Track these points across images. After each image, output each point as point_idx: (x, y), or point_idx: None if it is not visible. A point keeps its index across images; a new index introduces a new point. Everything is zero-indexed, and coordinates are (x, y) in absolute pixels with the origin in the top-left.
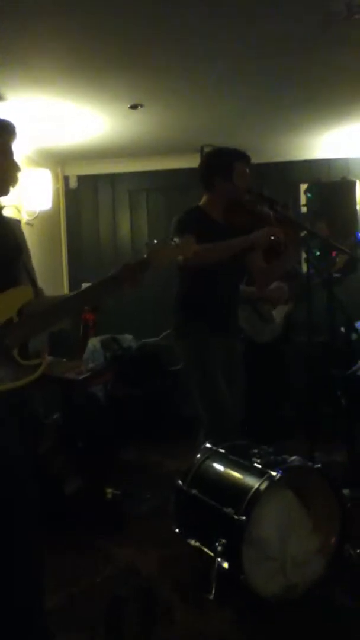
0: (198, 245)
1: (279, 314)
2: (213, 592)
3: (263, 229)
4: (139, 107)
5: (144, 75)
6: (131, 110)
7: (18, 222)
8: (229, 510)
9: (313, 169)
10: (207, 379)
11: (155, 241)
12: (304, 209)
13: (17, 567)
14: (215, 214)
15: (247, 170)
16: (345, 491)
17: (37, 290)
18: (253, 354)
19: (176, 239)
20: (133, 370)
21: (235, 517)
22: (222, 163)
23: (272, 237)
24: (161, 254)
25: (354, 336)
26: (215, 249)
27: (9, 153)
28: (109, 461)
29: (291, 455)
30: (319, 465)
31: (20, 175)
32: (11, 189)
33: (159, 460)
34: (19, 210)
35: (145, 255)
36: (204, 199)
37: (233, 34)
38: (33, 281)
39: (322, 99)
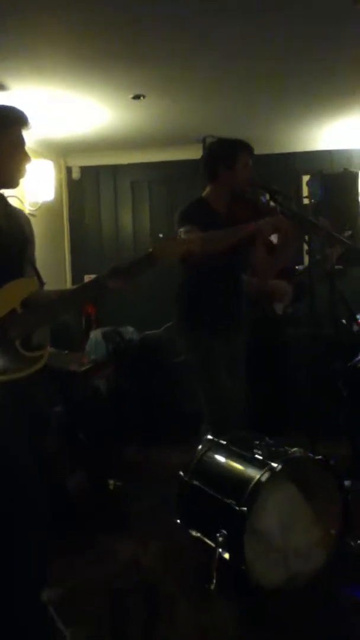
0: (201, 238)
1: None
2: (214, 582)
3: (269, 218)
4: (142, 98)
5: (146, 66)
6: (134, 101)
7: (24, 212)
8: (230, 501)
9: (315, 160)
10: (208, 373)
11: (161, 236)
12: (306, 200)
13: (18, 565)
14: (218, 206)
15: (250, 162)
16: (347, 483)
17: (41, 282)
18: (255, 347)
19: (182, 233)
20: (135, 362)
21: (237, 508)
22: (225, 153)
23: (277, 227)
24: (168, 249)
25: (355, 328)
26: (220, 236)
27: (20, 144)
28: (110, 454)
29: (293, 447)
30: (321, 457)
31: (28, 166)
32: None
33: (160, 453)
34: (21, 201)
35: (151, 250)
36: (207, 190)
37: (235, 24)
38: (38, 273)
39: (325, 90)
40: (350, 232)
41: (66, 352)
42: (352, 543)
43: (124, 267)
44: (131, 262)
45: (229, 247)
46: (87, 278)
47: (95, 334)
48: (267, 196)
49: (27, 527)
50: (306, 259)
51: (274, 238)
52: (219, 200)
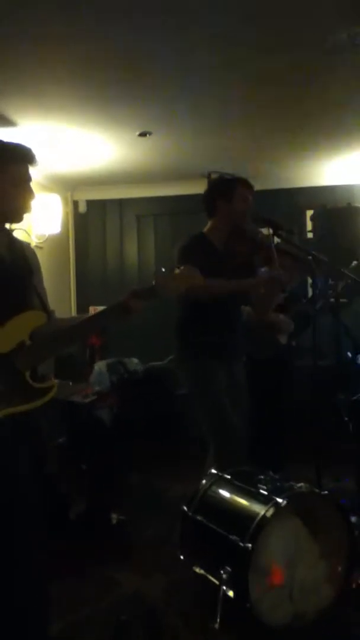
0: (201, 279)
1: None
2: (218, 621)
3: (267, 275)
4: (148, 135)
5: (152, 104)
6: (140, 138)
7: (28, 244)
8: (234, 537)
9: (319, 195)
10: (211, 402)
11: (163, 269)
12: (310, 235)
13: (19, 591)
14: (217, 241)
15: (249, 197)
16: (354, 518)
17: (49, 314)
18: (258, 377)
19: (182, 269)
20: (139, 393)
21: (241, 544)
22: (223, 187)
23: (274, 279)
24: (169, 283)
25: None
26: (217, 287)
27: (26, 181)
28: (114, 485)
29: (298, 482)
30: (327, 492)
31: (33, 202)
32: (24, 216)
33: (164, 484)
34: (28, 234)
35: (153, 283)
36: (208, 225)
37: (240, 63)
38: (44, 304)
39: (328, 126)
40: (356, 262)
41: (70, 383)
42: None
43: (137, 292)
44: (139, 290)
45: (226, 294)
46: (92, 309)
47: (100, 365)
48: (271, 231)
49: (28, 557)
50: (310, 291)
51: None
52: (218, 235)
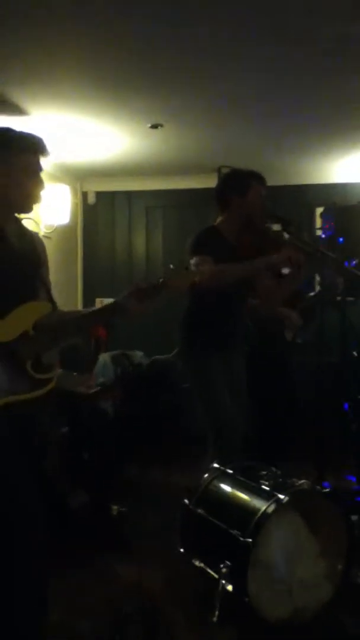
0: (214, 266)
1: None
2: (217, 614)
3: (283, 252)
4: (159, 127)
5: (165, 96)
6: (151, 130)
7: (38, 235)
8: (235, 532)
9: (329, 193)
10: (212, 397)
11: (171, 266)
12: (319, 232)
13: (18, 589)
14: (228, 235)
15: (263, 191)
16: (354, 517)
17: (54, 305)
18: (261, 373)
19: (193, 264)
20: (143, 386)
21: (242, 539)
22: (238, 182)
23: (290, 261)
24: (178, 280)
25: None
26: (231, 270)
27: (37, 171)
28: (115, 478)
29: (300, 479)
30: (328, 490)
31: (43, 192)
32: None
33: (166, 478)
34: (37, 224)
35: (161, 279)
36: (219, 219)
37: (253, 56)
38: (50, 295)
39: (340, 123)
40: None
41: (75, 373)
42: (359, 578)
43: (143, 287)
44: (148, 285)
45: (239, 279)
46: (99, 301)
47: (104, 357)
48: (280, 227)
49: (27, 547)
50: (317, 287)
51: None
52: (230, 229)
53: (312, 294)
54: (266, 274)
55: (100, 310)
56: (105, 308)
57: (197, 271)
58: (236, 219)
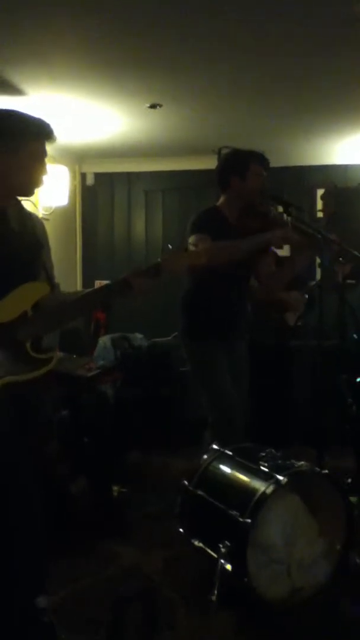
0: (212, 243)
1: (291, 318)
2: (215, 594)
3: (279, 229)
4: (158, 107)
5: (163, 75)
6: (150, 110)
7: (38, 217)
8: (234, 512)
9: (330, 175)
10: (212, 380)
11: (170, 247)
12: (319, 214)
13: (16, 569)
14: (229, 215)
15: (263, 172)
16: (353, 498)
17: (53, 286)
18: (262, 357)
19: (192, 241)
20: (143, 369)
21: (240, 519)
22: (238, 162)
23: (287, 240)
24: (175, 261)
25: None
26: (230, 247)
27: (42, 157)
28: (115, 461)
29: (299, 460)
30: (327, 471)
31: (45, 177)
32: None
33: (166, 461)
34: (35, 205)
35: (159, 260)
36: (220, 199)
37: (252, 37)
38: (50, 277)
39: (340, 105)
40: None
41: (74, 356)
42: (357, 559)
43: (142, 270)
44: (145, 268)
45: (239, 258)
46: (98, 283)
47: (104, 340)
48: (281, 208)
49: (26, 530)
50: (318, 272)
51: (282, 250)
52: (231, 210)
53: (312, 282)
54: (267, 260)
55: (98, 290)
56: (103, 288)
57: (196, 251)
58: (237, 200)
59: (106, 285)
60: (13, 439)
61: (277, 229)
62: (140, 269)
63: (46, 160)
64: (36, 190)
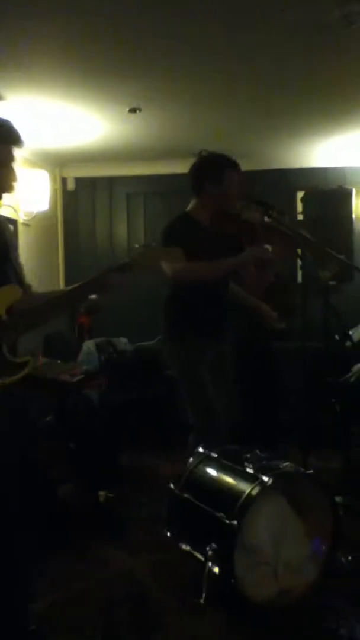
0: (183, 263)
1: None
2: (204, 596)
3: (247, 251)
4: (138, 111)
5: (143, 79)
6: (130, 114)
7: (3, 217)
8: (220, 514)
9: (310, 177)
10: (194, 383)
11: (136, 245)
12: (300, 217)
13: (4, 572)
14: (202, 219)
15: (237, 179)
16: (338, 498)
17: (24, 288)
18: (248, 358)
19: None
20: (128, 373)
21: (227, 521)
22: (212, 168)
23: (258, 257)
24: (144, 258)
25: (348, 343)
26: (199, 270)
27: (9, 162)
28: (103, 465)
29: (284, 461)
30: (312, 472)
31: (16, 183)
32: (5, 195)
33: (154, 464)
34: (16, 211)
35: (127, 259)
36: (192, 203)
37: (232, 41)
38: (21, 278)
39: (320, 107)
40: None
41: (59, 361)
42: (343, 559)
43: (114, 267)
44: (115, 265)
45: (213, 279)
46: None
47: (88, 345)
48: (262, 211)
49: (14, 535)
50: (299, 274)
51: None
52: (204, 213)
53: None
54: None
55: (73, 289)
56: (73, 289)
57: (164, 250)
58: (210, 204)
59: (79, 285)
60: (3, 438)
61: (252, 234)
62: (111, 267)
63: (14, 165)
64: (17, 196)
